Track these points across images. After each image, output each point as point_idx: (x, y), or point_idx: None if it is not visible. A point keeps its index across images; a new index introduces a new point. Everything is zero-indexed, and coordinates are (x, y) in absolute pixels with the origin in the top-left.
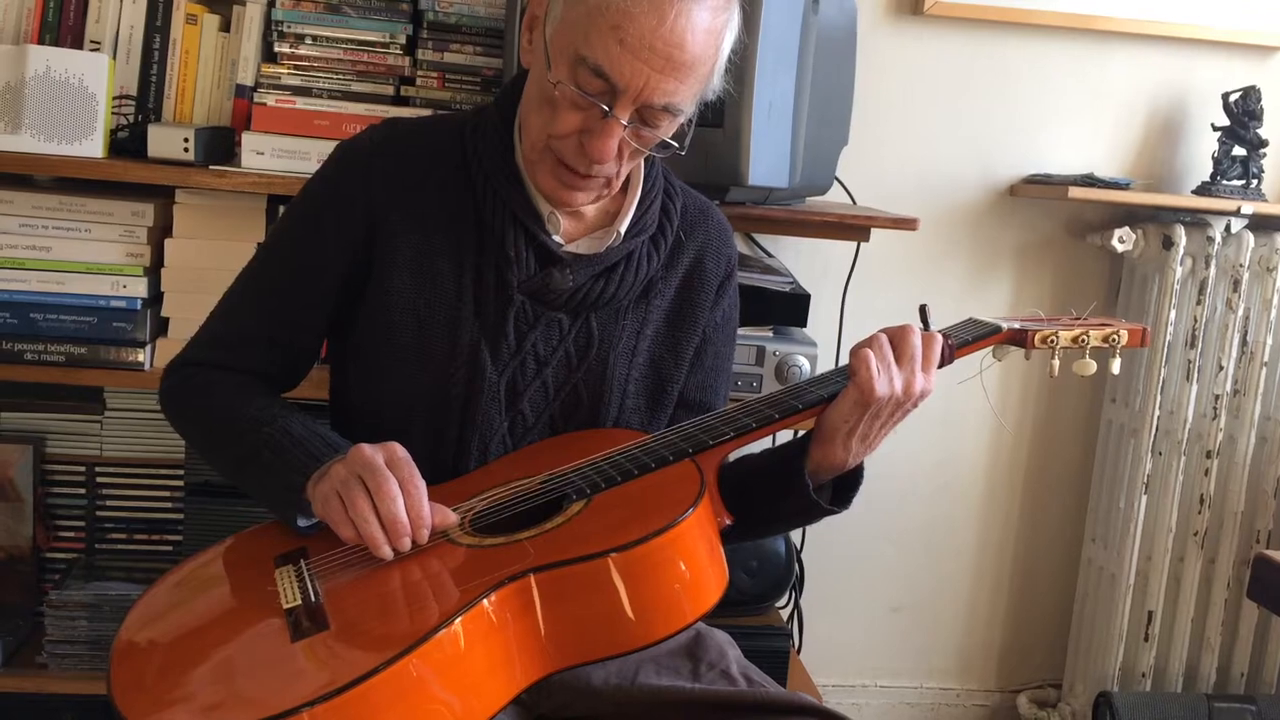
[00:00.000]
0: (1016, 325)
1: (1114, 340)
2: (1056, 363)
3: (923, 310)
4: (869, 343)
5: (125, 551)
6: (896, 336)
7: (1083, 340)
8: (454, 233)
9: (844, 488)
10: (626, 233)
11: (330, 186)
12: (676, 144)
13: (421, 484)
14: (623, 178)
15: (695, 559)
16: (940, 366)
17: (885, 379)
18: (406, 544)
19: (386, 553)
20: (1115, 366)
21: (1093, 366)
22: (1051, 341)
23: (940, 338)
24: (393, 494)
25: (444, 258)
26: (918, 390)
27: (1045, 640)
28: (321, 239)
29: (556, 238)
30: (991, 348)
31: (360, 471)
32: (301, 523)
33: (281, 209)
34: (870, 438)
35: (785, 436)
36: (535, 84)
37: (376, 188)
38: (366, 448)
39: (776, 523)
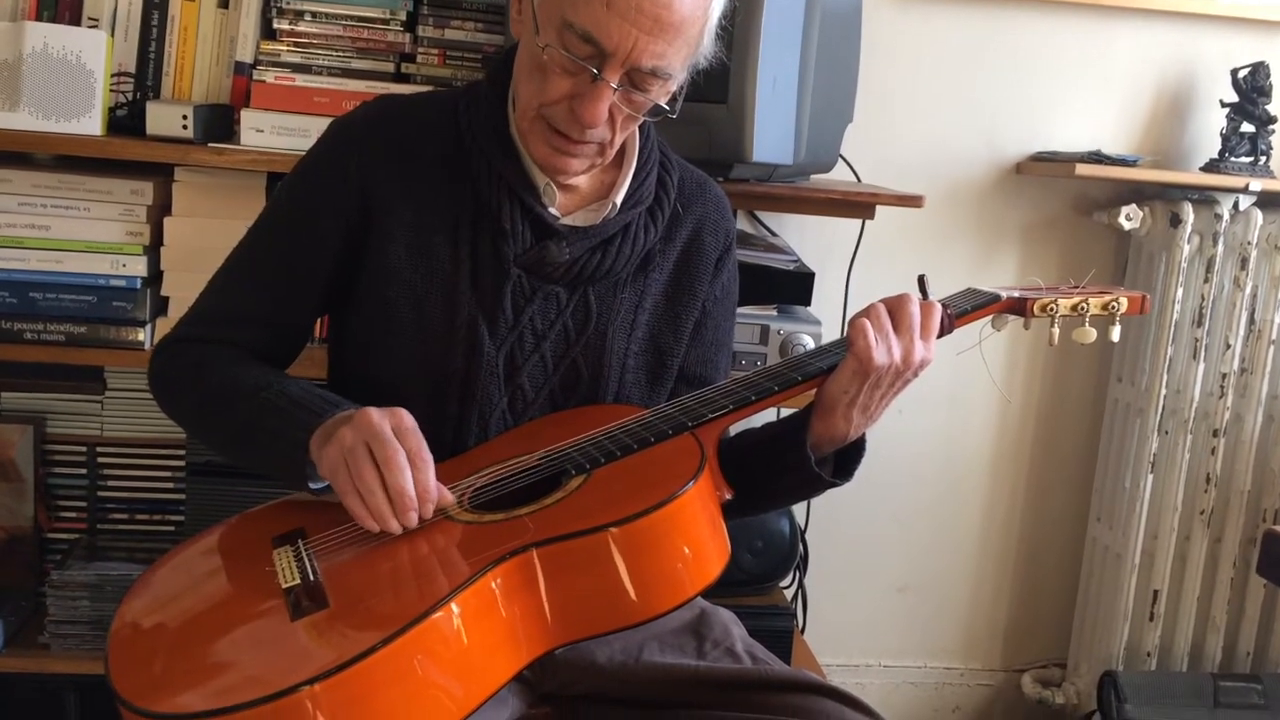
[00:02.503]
0: (1016, 294)
1: (1113, 307)
2: (1056, 331)
3: (921, 280)
4: (867, 312)
5: (127, 532)
6: (894, 306)
7: (1082, 308)
8: (449, 207)
9: (846, 460)
10: (622, 204)
11: (323, 164)
12: (668, 108)
13: (429, 457)
14: (616, 145)
15: (696, 532)
16: (940, 336)
17: (883, 348)
18: (413, 519)
19: (394, 526)
20: (1115, 334)
21: (1092, 334)
22: (1051, 309)
23: (939, 306)
24: (400, 465)
25: (439, 233)
26: (917, 359)
27: (1050, 620)
28: (315, 216)
29: (552, 210)
30: (991, 317)
31: (368, 439)
32: (312, 485)
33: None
34: (871, 408)
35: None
36: (525, 52)
37: (370, 164)
38: (374, 412)
39: (778, 496)
